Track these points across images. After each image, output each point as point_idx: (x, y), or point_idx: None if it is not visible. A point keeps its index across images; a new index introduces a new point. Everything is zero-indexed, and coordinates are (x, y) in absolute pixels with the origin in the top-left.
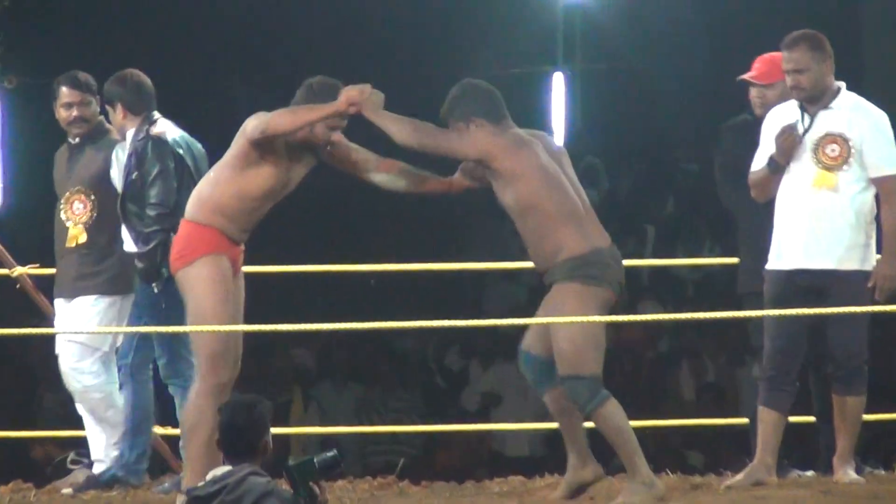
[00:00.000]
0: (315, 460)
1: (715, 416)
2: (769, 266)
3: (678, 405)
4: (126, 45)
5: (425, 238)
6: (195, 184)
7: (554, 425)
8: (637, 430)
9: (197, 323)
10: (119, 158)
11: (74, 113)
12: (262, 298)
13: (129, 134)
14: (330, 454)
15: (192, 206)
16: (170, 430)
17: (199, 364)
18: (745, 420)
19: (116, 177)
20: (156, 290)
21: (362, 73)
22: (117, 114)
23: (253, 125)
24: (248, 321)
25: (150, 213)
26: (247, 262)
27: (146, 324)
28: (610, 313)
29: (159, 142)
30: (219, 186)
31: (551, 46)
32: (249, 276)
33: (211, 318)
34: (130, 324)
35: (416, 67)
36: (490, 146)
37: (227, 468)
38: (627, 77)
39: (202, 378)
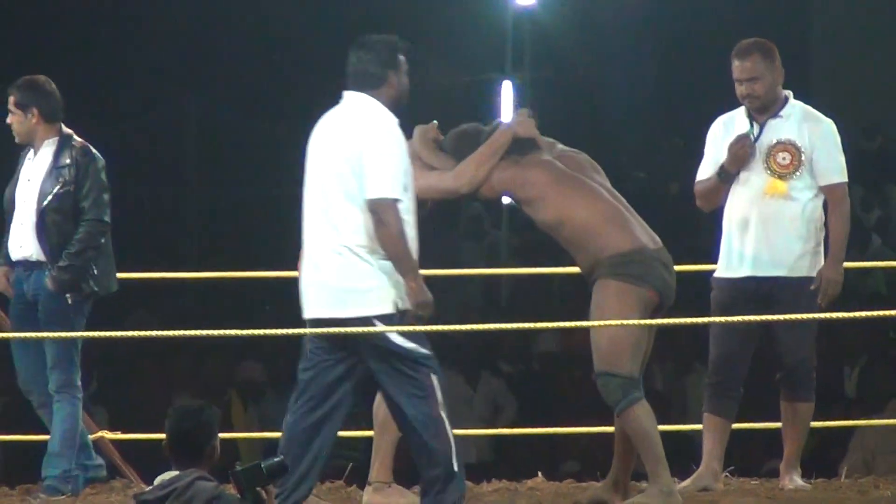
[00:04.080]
0: (262, 465)
1: (661, 423)
2: (717, 274)
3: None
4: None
5: None
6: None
7: (499, 431)
8: (587, 437)
9: None
10: (26, 165)
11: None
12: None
13: (47, 143)
14: (277, 459)
15: None
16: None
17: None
18: (691, 427)
19: (28, 184)
20: (69, 302)
21: (315, 83)
22: (30, 119)
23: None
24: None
25: (90, 228)
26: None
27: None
28: (652, 316)
29: (90, 154)
30: None
31: (500, 54)
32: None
33: None
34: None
35: None
36: (500, 183)
37: (174, 473)
38: (576, 85)
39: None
